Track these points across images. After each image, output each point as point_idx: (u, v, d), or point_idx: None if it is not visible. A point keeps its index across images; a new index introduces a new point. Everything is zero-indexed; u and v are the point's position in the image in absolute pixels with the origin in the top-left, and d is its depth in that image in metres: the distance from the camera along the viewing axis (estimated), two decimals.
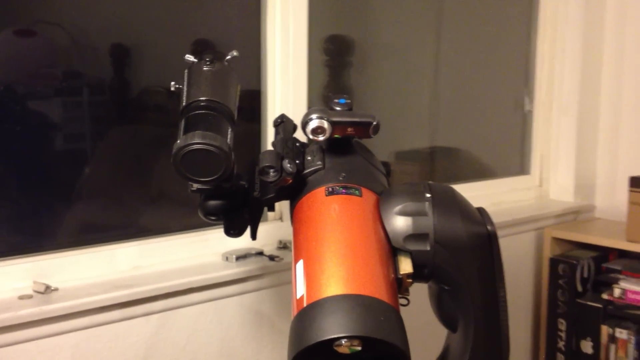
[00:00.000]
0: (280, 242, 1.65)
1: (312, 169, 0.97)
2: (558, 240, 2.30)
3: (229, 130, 0.86)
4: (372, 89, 2.11)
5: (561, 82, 2.41)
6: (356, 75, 2.01)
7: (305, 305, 0.81)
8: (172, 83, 0.90)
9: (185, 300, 1.42)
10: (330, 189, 0.94)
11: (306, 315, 0.80)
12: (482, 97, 2.41)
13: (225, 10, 1.64)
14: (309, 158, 0.99)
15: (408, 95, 2.23)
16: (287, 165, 0.92)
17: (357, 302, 0.79)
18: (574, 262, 2.22)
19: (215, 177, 0.85)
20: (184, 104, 0.88)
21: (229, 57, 0.94)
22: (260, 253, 1.58)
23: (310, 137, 0.94)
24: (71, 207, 1.45)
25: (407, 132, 2.29)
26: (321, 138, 0.94)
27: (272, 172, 0.92)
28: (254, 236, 1.05)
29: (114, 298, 1.31)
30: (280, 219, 1.70)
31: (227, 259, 1.54)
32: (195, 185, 0.97)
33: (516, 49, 2.48)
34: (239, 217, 1.01)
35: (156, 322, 1.38)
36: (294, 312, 0.83)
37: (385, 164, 1.07)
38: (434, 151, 2.35)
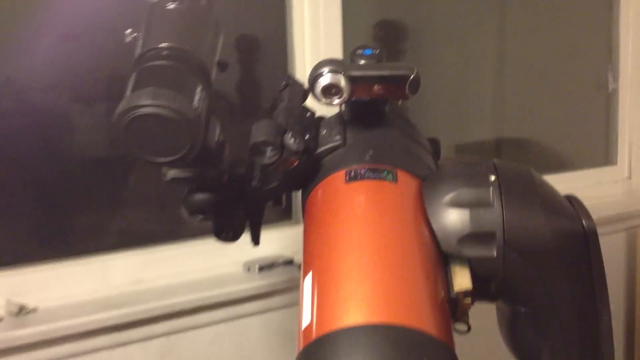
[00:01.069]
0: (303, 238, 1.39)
1: (328, 146, 0.71)
2: None
3: (199, 89, 0.61)
4: (429, 78, 1.88)
5: None
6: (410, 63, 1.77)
7: (313, 339, 0.56)
8: (127, 32, 0.66)
9: (196, 321, 1.20)
10: (352, 173, 0.68)
11: (312, 356, 0.55)
12: (557, 77, 2.13)
13: None
14: (324, 132, 0.73)
15: (469, 83, 2.02)
16: (290, 140, 0.66)
17: (388, 337, 0.55)
18: None
19: (179, 155, 0.60)
20: (137, 54, 0.63)
21: None
22: (289, 262, 1.35)
23: (323, 100, 0.68)
24: (58, 211, 1.23)
25: (470, 123, 2.08)
26: (337, 101, 0.68)
27: (268, 151, 0.67)
28: (255, 240, 0.80)
29: (104, 320, 1.09)
30: None
31: (249, 269, 1.30)
32: (171, 173, 0.73)
33: (595, 16, 2.16)
34: (233, 214, 0.76)
35: (157, 348, 1.15)
36: (298, 347, 0.59)
37: (434, 141, 0.80)
38: (501, 143, 2.11)
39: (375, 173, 0.68)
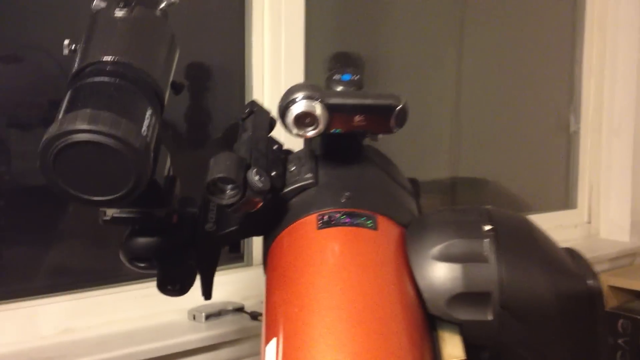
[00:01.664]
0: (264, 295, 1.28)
1: (298, 185, 0.62)
2: (614, 290, 1.96)
3: (148, 113, 0.51)
4: None
5: (612, 98, 2.10)
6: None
7: None
8: (66, 42, 0.56)
9: None
10: (325, 218, 0.59)
11: None
12: (517, 116, 2.10)
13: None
14: (293, 169, 0.64)
15: (426, 119, 1.95)
16: (254, 177, 0.57)
17: None
18: (638, 317, 1.85)
19: (120, 193, 0.49)
20: (74, 69, 0.53)
21: (163, 3, 0.59)
22: (239, 309, 1.24)
23: (294, 131, 0.59)
24: None
25: (425, 161, 2.01)
26: (311, 133, 0.59)
27: (229, 189, 0.57)
28: (207, 294, 0.70)
29: None
30: None
31: (194, 317, 1.19)
32: (110, 212, 0.62)
33: (558, 57, 2.16)
34: (181, 263, 0.65)
35: None
36: None
37: (413, 182, 0.71)
38: (457, 182, 2.06)
39: (353, 218, 0.59)
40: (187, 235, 0.66)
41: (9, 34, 1.12)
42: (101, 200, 0.49)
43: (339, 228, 0.58)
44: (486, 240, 0.57)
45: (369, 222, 0.59)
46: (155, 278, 0.66)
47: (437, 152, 2.00)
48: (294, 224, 0.61)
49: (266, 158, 0.62)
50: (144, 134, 0.49)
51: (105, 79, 0.50)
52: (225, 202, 0.57)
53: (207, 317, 1.19)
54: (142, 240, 0.66)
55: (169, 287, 0.66)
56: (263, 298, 0.62)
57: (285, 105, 0.58)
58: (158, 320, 1.17)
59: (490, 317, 0.56)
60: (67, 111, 0.48)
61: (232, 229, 0.64)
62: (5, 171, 1.13)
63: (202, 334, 1.15)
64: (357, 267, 0.56)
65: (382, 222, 0.60)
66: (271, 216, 0.63)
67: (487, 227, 0.58)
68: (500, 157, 2.10)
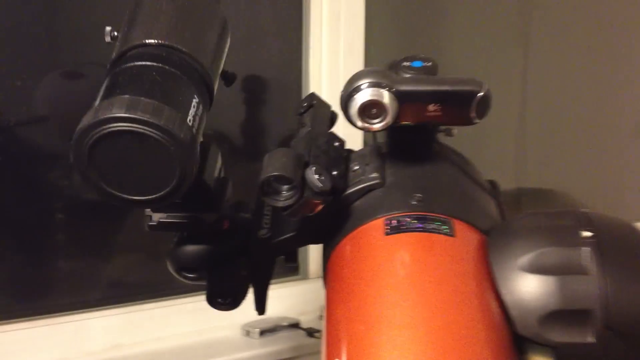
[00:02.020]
0: (324, 309, 1.21)
1: (362, 185, 0.56)
2: None
3: (195, 101, 0.45)
4: None
5: None
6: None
7: None
8: (108, 29, 0.50)
9: None
10: (394, 223, 0.52)
11: None
12: (590, 122, 1.97)
13: None
14: (357, 168, 0.57)
15: (490, 126, 1.84)
16: (313, 177, 0.51)
17: None
18: None
19: (163, 192, 0.44)
20: (114, 54, 0.48)
21: None
22: (295, 325, 1.17)
23: (359, 124, 0.52)
24: (29, 258, 1.07)
25: (487, 171, 1.90)
26: (378, 125, 0.52)
27: (285, 190, 0.51)
28: (260, 308, 0.63)
29: None
30: None
31: (248, 333, 1.13)
32: (156, 217, 0.57)
33: (635, 57, 2.03)
34: (232, 274, 0.59)
35: None
36: None
37: (492, 184, 0.64)
38: (522, 194, 1.95)
39: (426, 223, 0.52)
40: (240, 243, 0.60)
41: (72, 50, 1.11)
42: (142, 200, 0.44)
43: (410, 234, 0.51)
44: (586, 249, 0.49)
45: (444, 227, 0.51)
46: (205, 296, 0.60)
47: (501, 162, 1.91)
48: (358, 229, 0.54)
49: (327, 155, 0.56)
50: (190, 123, 0.43)
51: (148, 63, 0.45)
52: (280, 204, 0.51)
53: (262, 333, 1.13)
54: (190, 249, 0.60)
55: (220, 300, 0.60)
56: (323, 313, 0.56)
57: (348, 93, 0.52)
58: (210, 335, 1.12)
59: (591, 339, 0.47)
60: (103, 98, 0.43)
61: (288, 235, 0.57)
62: (66, 185, 1.11)
63: (256, 350, 1.09)
64: (431, 279, 0.48)
65: (460, 227, 0.52)
66: (332, 221, 0.56)
67: (587, 233, 0.50)
68: (570, 166, 1.98)
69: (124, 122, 0.41)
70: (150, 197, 0.44)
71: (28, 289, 1.09)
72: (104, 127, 0.41)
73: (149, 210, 0.56)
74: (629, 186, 2.08)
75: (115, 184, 0.43)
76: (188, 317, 1.11)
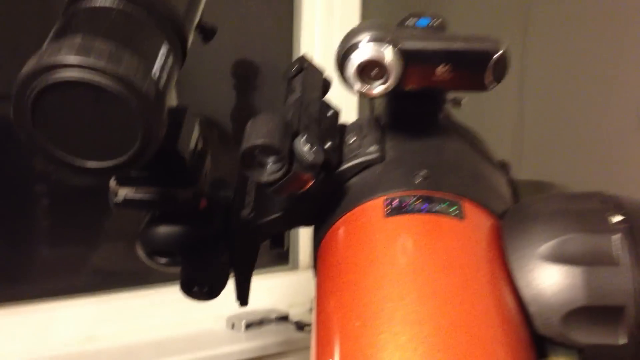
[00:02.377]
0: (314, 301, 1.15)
1: (359, 160, 0.49)
2: None
3: (163, 49, 0.38)
4: None
5: None
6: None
7: None
8: None
9: None
10: (395, 203, 0.45)
11: None
12: (589, 114, 1.92)
13: None
14: (352, 140, 0.51)
15: (484, 115, 1.79)
16: (303, 147, 0.44)
17: None
18: None
19: (121, 158, 0.36)
20: None
21: None
22: (284, 318, 1.10)
23: (356, 87, 0.45)
24: None
25: None
26: (379, 89, 0.45)
27: (271, 162, 0.44)
28: (242, 298, 0.57)
29: None
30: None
31: (233, 326, 1.06)
32: (121, 192, 0.50)
33: (637, 49, 1.97)
34: (210, 259, 0.53)
35: None
36: None
37: (502, 165, 0.57)
38: (518, 186, 1.88)
39: (431, 204, 0.45)
40: (219, 225, 0.53)
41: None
42: (97, 167, 0.37)
43: (413, 216, 0.44)
44: (616, 236, 0.42)
45: (452, 209, 0.45)
46: (180, 284, 0.53)
47: (497, 153, 1.85)
48: (354, 210, 0.47)
49: (319, 125, 0.49)
50: (155, 76, 0.36)
51: (108, 3, 0.38)
52: (265, 178, 0.44)
53: (248, 326, 1.07)
54: (163, 230, 0.53)
55: (196, 289, 0.53)
56: (313, 305, 0.49)
57: (345, 50, 0.44)
58: (193, 328, 1.06)
59: (622, 340, 0.41)
60: (51, 41, 0.35)
61: (274, 216, 0.51)
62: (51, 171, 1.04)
63: (242, 345, 1.03)
64: (438, 268, 0.42)
65: (470, 209, 0.45)
66: (324, 200, 0.49)
67: (617, 218, 0.43)
68: (568, 158, 1.92)
69: (74, 69, 0.33)
70: (107, 163, 0.37)
71: None
72: (49, 75, 0.34)
73: (114, 185, 0.49)
74: (628, 179, 2.02)
75: (66, 146, 0.36)
76: (168, 307, 1.05)
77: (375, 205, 0.46)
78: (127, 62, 0.35)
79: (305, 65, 0.54)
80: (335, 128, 0.51)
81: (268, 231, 0.52)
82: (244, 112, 1.28)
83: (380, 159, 0.48)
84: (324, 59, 1.17)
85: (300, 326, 1.08)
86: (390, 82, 0.44)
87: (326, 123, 0.50)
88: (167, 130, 0.43)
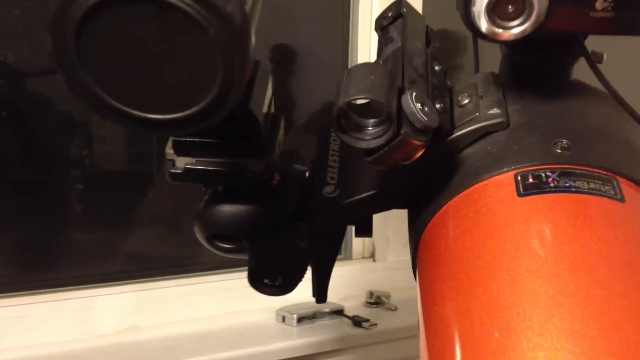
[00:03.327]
0: (371, 294, 1.08)
1: (477, 125, 0.39)
2: None
3: None
4: None
5: None
6: None
7: None
8: None
9: None
10: (530, 179, 0.36)
11: None
12: None
13: None
14: (466, 102, 0.41)
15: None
16: (414, 105, 0.34)
17: None
18: None
19: (194, 108, 0.27)
20: None
21: None
22: (338, 312, 1.02)
23: (485, 28, 0.35)
24: (39, 226, 0.93)
25: None
26: (517, 30, 0.35)
27: (372, 124, 0.34)
28: (320, 294, 0.48)
29: None
30: (372, 256, 1.11)
31: (283, 319, 0.98)
32: (181, 161, 0.41)
33: None
34: (285, 246, 0.43)
35: None
36: None
37: None
38: None
39: (579, 181, 0.35)
40: (295, 204, 0.44)
41: None
42: (162, 119, 0.28)
43: (558, 196, 0.34)
44: None
45: (607, 187, 0.35)
46: (246, 267, 0.44)
47: None
48: (473, 187, 0.37)
49: (426, 81, 0.39)
50: (247, 2, 0.27)
51: None
52: (365, 144, 0.35)
53: (299, 320, 0.98)
54: (228, 209, 0.44)
55: (266, 281, 0.44)
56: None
57: None
58: (239, 320, 0.97)
59: None
60: None
61: (365, 194, 0.41)
62: (86, 155, 0.96)
63: (293, 341, 0.94)
64: (596, 263, 0.32)
65: (628, 189, 0.36)
66: (429, 175, 0.40)
67: None
68: None
69: None
70: (175, 115, 0.28)
71: (34, 259, 0.95)
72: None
73: (171, 151, 0.40)
74: None
75: (121, 93, 0.27)
76: (214, 298, 0.97)
77: (503, 182, 0.36)
78: None
79: (403, 11, 0.44)
80: (445, 86, 0.42)
81: (356, 213, 0.43)
82: (281, 99, 1.19)
83: (505, 124, 0.39)
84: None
85: (357, 322, 0.99)
86: (532, 21, 0.34)
87: (434, 79, 0.40)
88: None
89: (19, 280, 0.90)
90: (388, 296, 1.08)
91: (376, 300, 1.08)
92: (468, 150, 0.39)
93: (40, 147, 0.93)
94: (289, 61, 1.21)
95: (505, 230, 0.34)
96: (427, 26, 0.45)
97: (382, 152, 0.35)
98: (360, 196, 0.41)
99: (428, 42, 0.44)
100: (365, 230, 0.46)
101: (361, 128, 0.35)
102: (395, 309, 1.05)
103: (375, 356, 1.01)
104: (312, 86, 1.20)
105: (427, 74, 0.40)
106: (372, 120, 0.35)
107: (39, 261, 0.95)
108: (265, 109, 0.42)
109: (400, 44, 0.41)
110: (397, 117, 0.34)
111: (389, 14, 0.44)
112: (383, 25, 0.44)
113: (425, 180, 0.40)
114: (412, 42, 0.41)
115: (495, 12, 0.34)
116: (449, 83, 0.42)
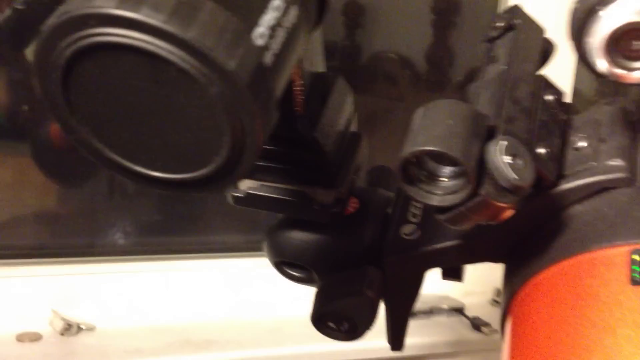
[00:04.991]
0: (499, 292, 0.98)
1: (593, 179, 0.31)
2: None
3: (278, 1, 0.23)
4: None
5: None
6: None
7: None
8: None
9: None
10: None
11: None
12: None
13: None
14: (583, 145, 0.33)
15: None
16: (501, 159, 0.27)
17: None
18: None
19: (198, 171, 0.23)
20: None
21: None
22: (458, 310, 0.94)
23: (602, 67, 0.27)
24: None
25: None
26: None
27: (447, 176, 0.28)
28: (396, 343, 0.42)
29: None
30: None
31: None
32: (244, 184, 0.37)
33: None
34: (352, 294, 0.38)
35: None
36: None
37: None
38: None
39: None
40: (374, 238, 0.39)
41: None
42: (167, 179, 0.23)
43: None
44: None
45: None
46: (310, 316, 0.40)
47: None
48: (576, 258, 0.30)
49: (530, 118, 0.32)
50: (260, 42, 0.22)
51: None
52: (437, 200, 0.29)
53: (414, 313, 0.92)
54: (297, 237, 0.40)
55: (331, 325, 0.39)
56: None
57: (590, 6, 0.27)
58: None
59: None
60: None
61: (448, 244, 0.35)
62: None
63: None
64: None
65: None
66: (527, 229, 0.33)
67: None
68: None
69: (115, 26, 0.20)
70: (182, 175, 0.23)
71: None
72: (81, 33, 0.20)
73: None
74: None
75: (120, 145, 0.23)
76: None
77: (615, 259, 0.29)
78: (206, 15, 0.20)
79: (515, 21, 0.36)
80: (557, 121, 0.34)
81: (436, 263, 0.37)
82: (440, 52, 1.11)
83: (629, 181, 0.30)
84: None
85: (477, 325, 0.91)
86: None
87: (544, 115, 0.32)
88: (306, 105, 0.30)
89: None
90: None
91: None
92: (577, 208, 0.31)
93: None
94: (452, 11, 1.13)
95: (605, 330, 0.27)
96: (545, 39, 0.37)
97: (457, 211, 0.29)
98: (441, 245, 0.35)
99: (545, 60, 0.36)
100: (453, 274, 0.40)
101: (434, 179, 0.29)
102: None
103: None
104: (475, 40, 1.11)
105: (533, 108, 0.32)
106: (448, 170, 0.29)
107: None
108: (340, 129, 0.37)
109: (505, 67, 0.33)
110: (478, 172, 0.28)
111: (499, 24, 0.36)
112: (491, 37, 0.36)
113: (522, 236, 0.33)
114: (519, 65, 0.33)
115: (615, 48, 0.26)
116: (565, 117, 0.34)
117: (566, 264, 0.30)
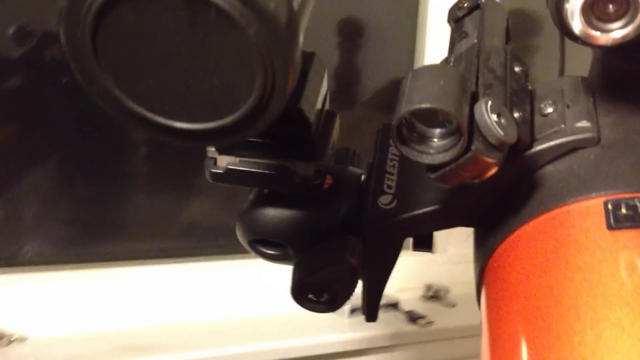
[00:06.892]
0: (429, 287, 1.04)
1: (562, 140, 0.34)
2: None
3: None
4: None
5: None
6: None
7: None
8: None
9: None
10: (624, 209, 0.30)
11: None
12: None
13: None
14: (550, 110, 0.36)
15: None
16: (489, 116, 0.29)
17: None
18: None
19: (230, 118, 0.24)
20: None
21: None
22: (393, 305, 0.98)
23: (578, 29, 0.30)
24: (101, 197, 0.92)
25: None
26: (620, 34, 0.30)
27: (438, 135, 0.30)
28: (371, 313, 0.44)
29: None
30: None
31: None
32: (223, 160, 0.38)
33: None
34: (335, 258, 0.39)
35: None
36: None
37: None
38: None
39: None
40: (347, 212, 0.40)
41: None
42: (191, 129, 0.24)
43: None
44: None
45: None
46: (290, 288, 0.41)
47: None
48: (553, 212, 0.32)
49: (504, 86, 0.34)
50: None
51: None
52: (430, 159, 0.30)
53: (352, 311, 0.94)
54: (272, 214, 0.40)
55: (311, 297, 0.40)
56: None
57: None
58: (286, 309, 0.93)
59: None
60: None
61: (426, 209, 0.37)
62: None
63: (344, 334, 0.90)
64: None
65: None
66: (502, 193, 0.35)
67: None
68: None
69: None
70: (206, 125, 0.24)
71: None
72: None
73: (213, 149, 0.37)
74: None
75: (143, 94, 0.23)
76: (257, 283, 0.93)
77: (590, 210, 0.31)
78: None
79: (481, 1, 0.39)
80: (526, 90, 0.36)
81: (415, 229, 0.39)
82: (347, 73, 1.14)
83: (596, 140, 0.33)
84: None
85: (413, 318, 0.94)
86: (637, 23, 0.29)
87: (514, 83, 0.35)
88: None
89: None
90: (447, 291, 1.03)
91: (434, 295, 1.03)
92: (549, 168, 0.34)
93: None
94: (356, 35, 1.16)
95: (590, 272, 0.29)
96: (507, 20, 0.39)
97: (448, 168, 0.30)
98: (420, 211, 0.37)
99: (508, 38, 0.39)
100: (425, 244, 0.42)
101: (425, 139, 0.31)
102: (454, 305, 1.01)
103: (429, 354, 0.96)
104: (379, 61, 1.15)
105: (505, 77, 0.35)
106: (438, 131, 0.31)
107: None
108: (319, 105, 0.38)
109: (475, 41, 0.36)
110: (468, 130, 0.30)
111: (465, 4, 0.39)
112: (457, 16, 0.39)
113: (497, 198, 0.35)
114: (489, 39, 0.36)
115: (592, 11, 0.29)
116: (530, 86, 0.37)
117: (543, 218, 0.33)
